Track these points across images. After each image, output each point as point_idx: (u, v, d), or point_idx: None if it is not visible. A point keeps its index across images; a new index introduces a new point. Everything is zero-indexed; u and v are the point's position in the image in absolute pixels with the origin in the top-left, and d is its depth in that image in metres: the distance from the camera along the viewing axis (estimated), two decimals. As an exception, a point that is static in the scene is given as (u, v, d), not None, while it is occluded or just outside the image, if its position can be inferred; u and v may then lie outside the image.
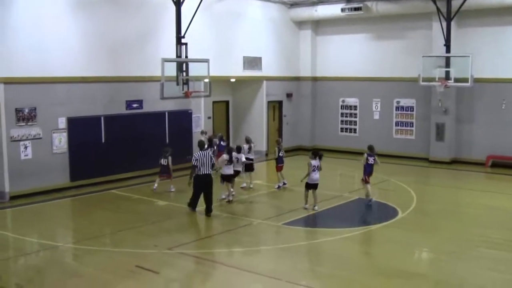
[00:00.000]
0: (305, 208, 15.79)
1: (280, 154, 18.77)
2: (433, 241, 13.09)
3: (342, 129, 26.94)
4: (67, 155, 18.26)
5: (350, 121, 26.69)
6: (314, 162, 15.66)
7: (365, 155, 16.66)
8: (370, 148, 16.83)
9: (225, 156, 16.49)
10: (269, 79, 25.94)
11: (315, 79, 27.73)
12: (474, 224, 14.68)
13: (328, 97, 27.26)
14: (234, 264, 11.44)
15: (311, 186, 15.79)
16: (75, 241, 13.01)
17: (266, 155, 25.70)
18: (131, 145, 19.12)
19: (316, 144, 27.51)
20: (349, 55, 26.50)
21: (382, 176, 20.84)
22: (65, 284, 10.47)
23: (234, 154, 17.02)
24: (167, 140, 20.88)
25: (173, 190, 17.73)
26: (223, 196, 16.57)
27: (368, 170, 16.62)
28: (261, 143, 25.71)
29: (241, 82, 25.57)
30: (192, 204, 15.48)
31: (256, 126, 25.92)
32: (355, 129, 26.60)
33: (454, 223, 14.72)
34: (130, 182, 18.72)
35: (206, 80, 18.39)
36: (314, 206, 15.80)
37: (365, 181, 16.56)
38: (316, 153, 15.98)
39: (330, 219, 15.47)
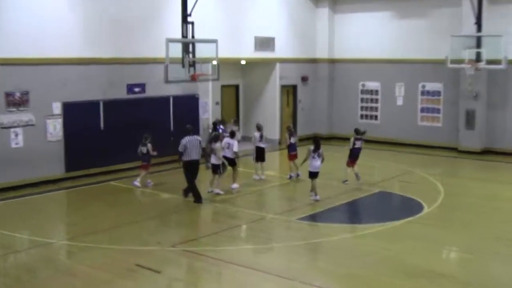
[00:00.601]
0: (316, 200, 16.01)
1: (292, 141, 18.77)
2: (461, 239, 13.05)
3: (362, 116, 26.84)
4: (62, 143, 18.22)
5: (371, 107, 26.58)
6: (313, 148, 16.04)
7: (352, 138, 17.79)
8: (357, 131, 17.98)
9: (218, 144, 16.55)
10: (282, 61, 25.81)
11: (332, 61, 27.59)
12: (507, 220, 14.58)
13: (347, 81, 27.17)
14: (244, 263, 11.40)
15: (312, 175, 16.07)
16: (70, 237, 13.01)
17: (279, 143, 25.65)
18: (133, 133, 18.96)
19: (333, 132, 27.51)
20: (370, 35, 26.36)
21: (406, 167, 20.77)
22: (57, 283, 10.50)
23: (225, 140, 17.17)
24: (172, 128, 20.92)
25: (150, 184, 17.64)
26: (209, 190, 16.70)
27: (354, 154, 17.74)
28: (273, 131, 25.64)
29: (252, 64, 25.47)
30: (194, 195, 15.80)
31: (268, 113, 25.89)
32: (376, 116, 26.52)
33: (485, 219, 14.66)
34: (131, 173, 18.69)
35: (214, 62, 18.40)
36: (311, 196, 16.08)
37: (349, 165, 17.81)
38: (316, 139, 16.46)
39: (349, 214, 15.57)
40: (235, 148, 17.15)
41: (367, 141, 19.82)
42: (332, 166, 19.03)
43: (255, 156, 18.60)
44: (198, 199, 15.76)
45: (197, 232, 13.71)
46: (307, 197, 16.27)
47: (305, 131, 26.56)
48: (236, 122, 19.40)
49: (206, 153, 17.06)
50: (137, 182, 17.54)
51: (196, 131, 21.26)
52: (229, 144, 17.13)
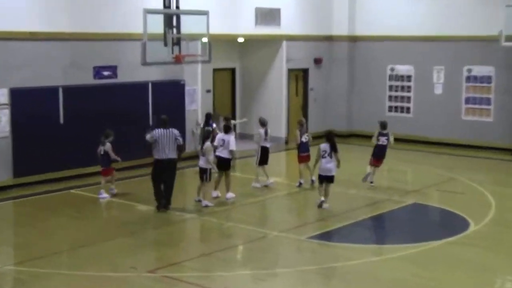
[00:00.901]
0: (320, 206, 16.44)
1: (304, 139, 18.77)
2: (518, 265, 13.11)
3: (390, 108, 26.97)
4: (10, 140, 18.22)
5: (402, 97, 26.70)
6: (324, 146, 16.30)
7: (376, 132, 18.60)
8: (383, 125, 18.71)
9: (209, 144, 16.66)
10: (290, 38, 25.90)
11: (353, 39, 27.72)
12: None
13: (371, 64, 27.24)
14: (241, 293, 11.42)
15: (322, 179, 16.42)
16: (19, 262, 12.97)
17: (286, 142, 25.72)
18: (101, 128, 18.87)
19: (353, 129, 27.61)
20: (401, 6, 26.52)
21: (447, 173, 20.82)
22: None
23: (219, 136, 17.33)
24: (150, 122, 20.82)
25: (114, 192, 17.72)
26: (197, 199, 16.94)
27: (379, 152, 18.57)
28: (279, 127, 25.61)
29: (253, 42, 25.60)
30: (156, 199, 16.23)
31: (272, 104, 26.01)
32: (408, 108, 26.63)
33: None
34: (98, 179, 18.50)
35: (205, 39, 18.51)
36: (322, 203, 16.41)
37: (371, 164, 18.66)
38: (329, 135, 16.66)
39: (373, 231, 15.60)
40: (233, 146, 17.09)
41: (397, 140, 19.84)
42: (351, 171, 19.03)
43: (259, 159, 18.67)
44: (159, 205, 16.12)
45: (181, 253, 13.65)
46: (322, 210, 16.34)
47: (318, 127, 26.07)
48: (228, 120, 19.23)
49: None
50: (104, 194, 17.51)
51: (180, 127, 21.34)
52: (224, 141, 17.12)
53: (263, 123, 18.93)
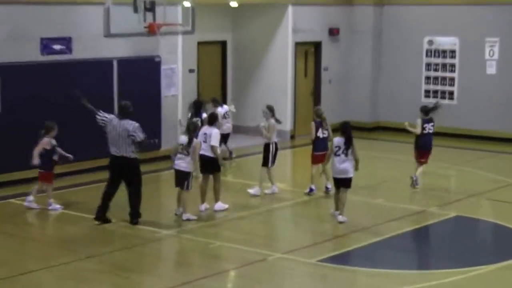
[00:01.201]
0: (334, 215, 16.71)
1: (321, 135, 18.87)
2: None
3: (427, 93, 27.29)
4: None
5: (443, 79, 26.95)
6: (338, 141, 16.45)
7: (419, 120, 19.01)
8: (426, 109, 19.31)
9: (196, 140, 16.60)
10: (297, 2, 26.17)
11: (380, 2, 28.05)
12: None
13: (403, 35, 27.60)
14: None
15: (337, 182, 16.69)
16: None
17: (292, 137, 25.78)
18: (50, 119, 18.73)
19: (380, 120, 28.13)
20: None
21: (500, 177, 20.90)
22: None
23: (203, 129, 17.44)
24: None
25: (52, 208, 17.57)
26: (178, 212, 17.08)
27: (425, 142, 19.10)
28: (283, 118, 24.79)
29: (249, 7, 25.95)
30: (98, 207, 16.31)
31: (274, 88, 26.14)
32: (451, 93, 26.94)
33: None
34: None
35: (187, 3, 18.81)
36: (337, 215, 16.64)
37: (418, 160, 19.21)
38: (344, 127, 16.72)
39: (406, 252, 15.47)
40: (214, 141, 17.11)
41: (436, 134, 19.90)
42: (375, 174, 18.95)
43: (272, 159, 18.78)
44: (97, 215, 16.20)
45: (155, 282, 13.53)
46: (336, 225, 16.47)
47: (333, 118, 25.46)
48: (216, 102, 18.98)
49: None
50: (54, 205, 17.53)
51: (155, 119, 21.29)
52: (205, 135, 17.20)
53: (272, 111, 18.97)
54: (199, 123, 18.57)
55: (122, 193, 17.25)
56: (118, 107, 16.29)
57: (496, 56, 25.92)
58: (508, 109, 25.61)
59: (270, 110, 19.08)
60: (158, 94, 22.24)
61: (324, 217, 17.36)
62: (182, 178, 16.59)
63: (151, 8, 18.08)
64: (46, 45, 19.94)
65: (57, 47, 20.13)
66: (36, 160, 17.18)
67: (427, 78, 27.10)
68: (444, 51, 26.73)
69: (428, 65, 27.07)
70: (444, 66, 26.78)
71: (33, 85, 19.64)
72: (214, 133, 17.12)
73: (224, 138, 20.68)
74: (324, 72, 27.28)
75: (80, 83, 20.03)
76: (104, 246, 15.18)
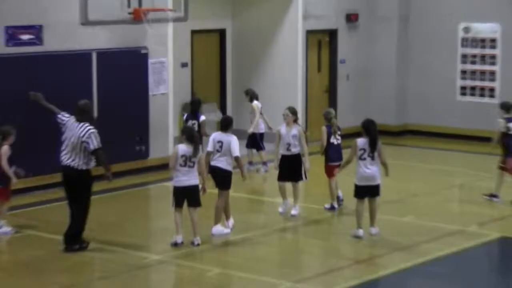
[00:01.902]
0: (357, 236, 16.73)
1: (335, 142, 18.85)
2: None
3: (463, 90, 27.39)
4: None
5: (482, 73, 26.78)
6: (361, 143, 16.42)
7: (502, 121, 18.98)
8: (506, 106, 19.34)
9: (183, 148, 16.18)
10: None
11: None
12: None
13: (435, 22, 27.59)
14: None
15: (363, 191, 16.54)
16: None
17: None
18: (17, 122, 18.57)
19: (408, 123, 28.23)
20: None
21: None
22: None
23: (214, 136, 17.14)
24: (96, 112, 20.67)
25: (7, 232, 17.53)
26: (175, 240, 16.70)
27: (509, 144, 18.92)
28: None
29: None
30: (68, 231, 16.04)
31: (281, 84, 26.22)
32: (492, 90, 26.78)
33: None
34: (13, 201, 18.27)
35: None
36: (371, 231, 16.65)
37: (503, 169, 19.12)
38: (368, 125, 16.63)
39: (443, 281, 15.06)
40: (237, 151, 16.90)
41: (473, 138, 19.60)
42: (404, 187, 18.85)
43: (307, 171, 18.53)
44: (66, 241, 15.93)
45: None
46: (360, 246, 16.44)
47: (352, 121, 25.88)
48: (252, 94, 18.99)
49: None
50: (5, 228, 17.44)
51: (142, 121, 21.05)
52: (222, 143, 16.81)
53: (294, 114, 18.74)
54: (196, 126, 18.42)
55: (101, 209, 17.07)
56: (77, 106, 15.82)
57: (546, 47, 25.77)
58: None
59: (291, 111, 18.86)
60: (146, 93, 22.28)
61: (343, 237, 17.26)
62: (194, 195, 16.22)
63: (136, -8, 18.17)
64: (11, 35, 19.91)
65: (25, 37, 20.12)
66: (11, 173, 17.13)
67: (463, 72, 27.12)
68: (483, 40, 26.78)
69: (464, 57, 27.09)
70: (483, 57, 26.80)
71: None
72: (234, 141, 16.92)
73: (261, 138, 20.72)
74: (341, 66, 27.34)
75: (52, 79, 20.30)
76: (80, 276, 15.08)
